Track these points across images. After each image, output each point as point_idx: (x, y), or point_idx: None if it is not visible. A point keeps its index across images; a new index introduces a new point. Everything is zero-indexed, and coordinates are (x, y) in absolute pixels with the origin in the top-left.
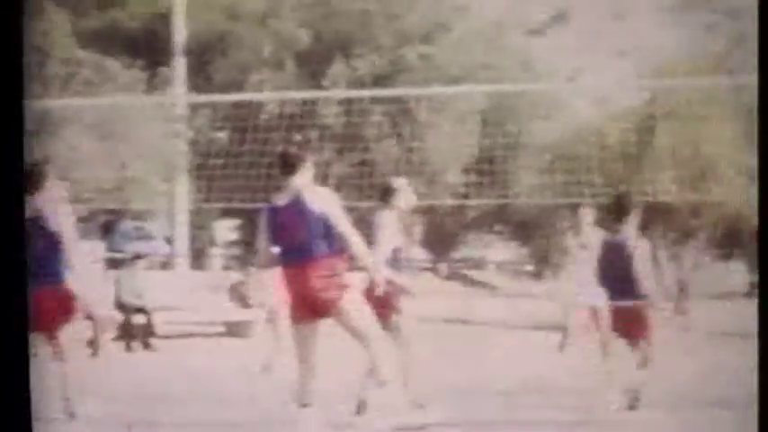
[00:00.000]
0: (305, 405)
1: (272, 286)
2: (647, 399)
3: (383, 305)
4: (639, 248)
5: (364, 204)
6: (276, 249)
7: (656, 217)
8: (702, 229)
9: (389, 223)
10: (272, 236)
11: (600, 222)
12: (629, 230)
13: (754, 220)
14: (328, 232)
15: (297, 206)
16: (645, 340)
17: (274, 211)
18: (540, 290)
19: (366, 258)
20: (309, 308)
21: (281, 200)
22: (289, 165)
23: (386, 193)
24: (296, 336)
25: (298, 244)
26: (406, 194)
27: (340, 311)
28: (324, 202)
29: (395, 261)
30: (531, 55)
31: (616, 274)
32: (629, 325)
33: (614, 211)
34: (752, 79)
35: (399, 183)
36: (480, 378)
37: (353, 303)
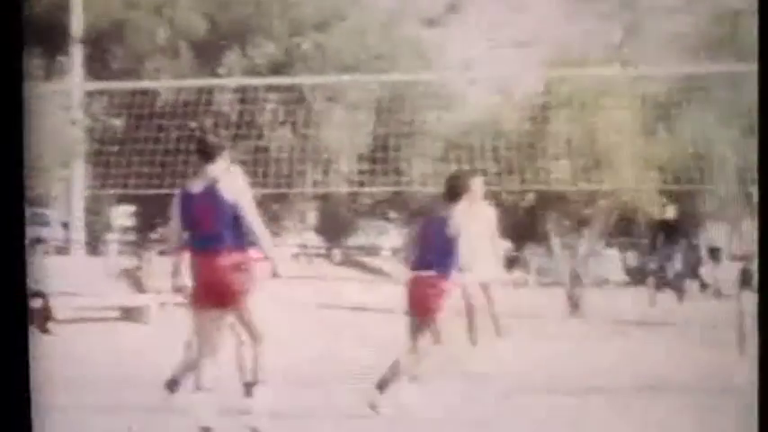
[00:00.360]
0: (199, 389)
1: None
2: (529, 385)
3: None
4: (462, 230)
5: (259, 191)
6: (186, 235)
7: (551, 205)
8: (596, 217)
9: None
10: (184, 221)
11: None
12: (457, 211)
13: (649, 209)
14: (238, 223)
15: (211, 194)
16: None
17: (189, 197)
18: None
19: (270, 250)
20: (214, 297)
21: (196, 186)
22: (207, 152)
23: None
24: (196, 322)
25: (209, 232)
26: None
27: (242, 306)
28: (236, 191)
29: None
30: (426, 45)
31: (434, 250)
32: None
33: (447, 192)
34: (647, 69)
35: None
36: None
37: (256, 301)
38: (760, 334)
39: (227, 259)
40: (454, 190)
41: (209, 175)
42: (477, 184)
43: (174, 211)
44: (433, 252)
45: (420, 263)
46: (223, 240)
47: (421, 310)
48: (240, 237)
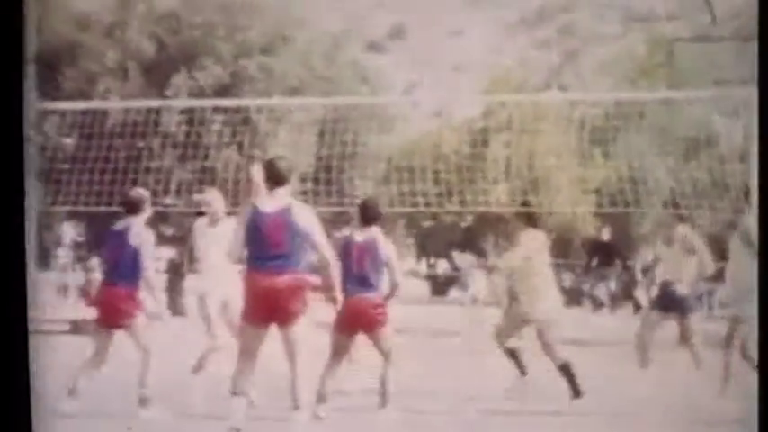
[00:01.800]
0: (236, 394)
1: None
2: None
3: None
4: (388, 249)
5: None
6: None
7: (489, 226)
8: None
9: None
10: (249, 238)
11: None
12: (377, 233)
13: (584, 230)
14: (303, 248)
15: (285, 216)
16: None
17: (259, 215)
18: None
19: (337, 279)
20: (268, 313)
21: (268, 206)
22: (278, 176)
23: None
24: (243, 333)
25: (276, 251)
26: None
27: (293, 326)
28: (308, 219)
29: None
30: (369, 69)
31: (359, 271)
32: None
33: (363, 216)
34: (584, 95)
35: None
36: None
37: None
38: (760, 336)
39: (289, 280)
40: (371, 214)
41: (282, 197)
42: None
43: (241, 225)
44: (368, 273)
45: (356, 283)
46: (289, 261)
47: (362, 328)
48: (303, 261)
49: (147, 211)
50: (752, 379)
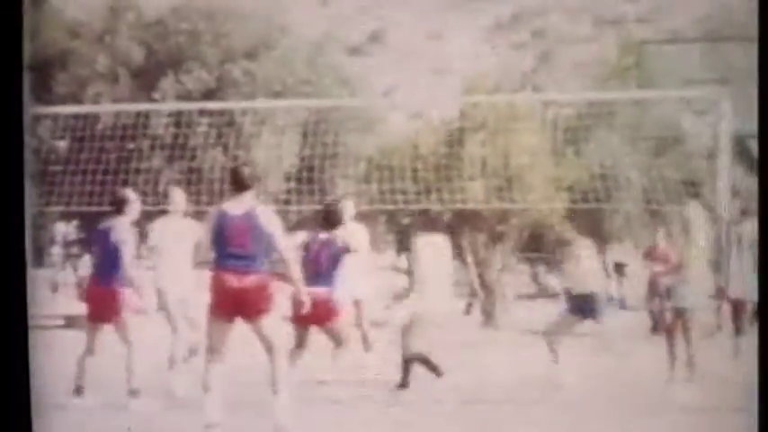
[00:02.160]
0: (207, 390)
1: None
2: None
3: None
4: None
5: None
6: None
7: (466, 222)
8: (509, 234)
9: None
10: (216, 239)
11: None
12: (342, 233)
13: (558, 227)
14: (268, 249)
15: (250, 218)
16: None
17: (225, 217)
18: None
19: (298, 279)
20: (235, 310)
21: (234, 209)
22: (244, 181)
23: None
24: (211, 328)
25: (242, 251)
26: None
27: (261, 321)
28: (272, 222)
29: None
30: (349, 72)
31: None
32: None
33: (326, 219)
34: (557, 95)
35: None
36: None
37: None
38: (760, 335)
39: (255, 279)
40: (333, 216)
41: (247, 201)
42: (349, 209)
43: (207, 227)
44: (324, 268)
45: (312, 279)
46: (254, 261)
47: (317, 320)
48: (267, 261)
49: (134, 212)
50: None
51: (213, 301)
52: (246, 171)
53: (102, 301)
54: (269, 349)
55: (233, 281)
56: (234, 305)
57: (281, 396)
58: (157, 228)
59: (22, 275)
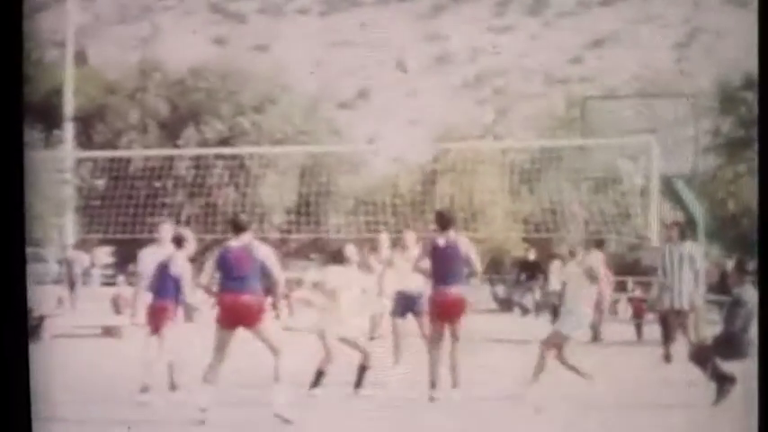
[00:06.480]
0: (207, 381)
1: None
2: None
3: None
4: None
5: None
6: (217, 277)
7: None
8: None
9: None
10: (221, 267)
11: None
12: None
13: (515, 252)
14: (261, 274)
15: (247, 250)
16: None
17: (227, 250)
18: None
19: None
20: (237, 320)
21: (234, 245)
22: (241, 225)
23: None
24: (217, 336)
25: (240, 276)
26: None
27: (259, 328)
28: (265, 253)
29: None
30: (340, 123)
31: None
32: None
33: (439, 222)
34: (514, 143)
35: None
36: None
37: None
38: (760, 334)
39: (251, 297)
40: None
41: (244, 239)
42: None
43: (213, 258)
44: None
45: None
46: (250, 283)
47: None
48: (260, 283)
49: (191, 248)
50: None
51: (219, 313)
52: (243, 218)
53: (158, 317)
54: (272, 348)
55: (233, 297)
56: (234, 316)
57: (281, 383)
58: (144, 255)
59: (22, 280)
